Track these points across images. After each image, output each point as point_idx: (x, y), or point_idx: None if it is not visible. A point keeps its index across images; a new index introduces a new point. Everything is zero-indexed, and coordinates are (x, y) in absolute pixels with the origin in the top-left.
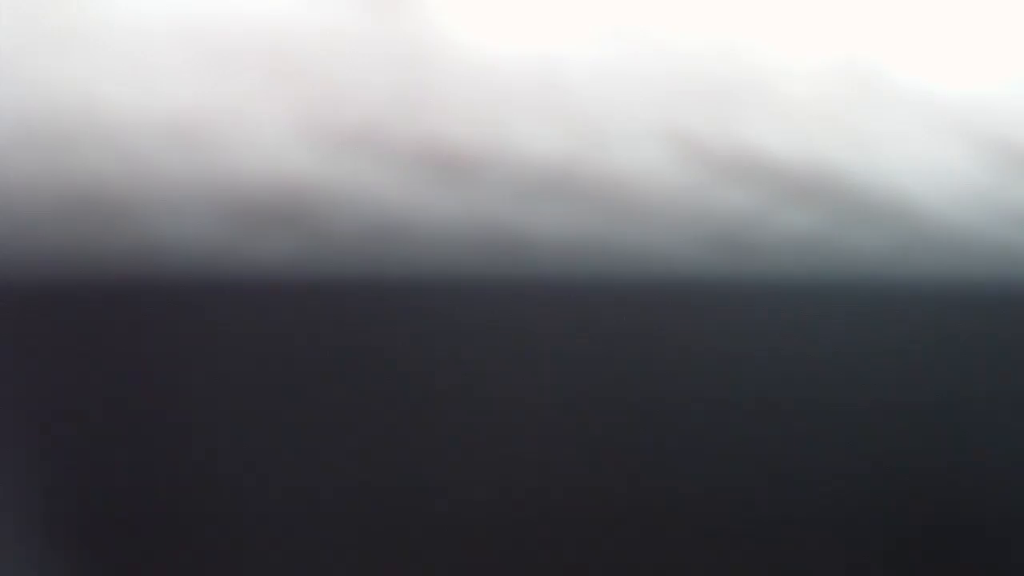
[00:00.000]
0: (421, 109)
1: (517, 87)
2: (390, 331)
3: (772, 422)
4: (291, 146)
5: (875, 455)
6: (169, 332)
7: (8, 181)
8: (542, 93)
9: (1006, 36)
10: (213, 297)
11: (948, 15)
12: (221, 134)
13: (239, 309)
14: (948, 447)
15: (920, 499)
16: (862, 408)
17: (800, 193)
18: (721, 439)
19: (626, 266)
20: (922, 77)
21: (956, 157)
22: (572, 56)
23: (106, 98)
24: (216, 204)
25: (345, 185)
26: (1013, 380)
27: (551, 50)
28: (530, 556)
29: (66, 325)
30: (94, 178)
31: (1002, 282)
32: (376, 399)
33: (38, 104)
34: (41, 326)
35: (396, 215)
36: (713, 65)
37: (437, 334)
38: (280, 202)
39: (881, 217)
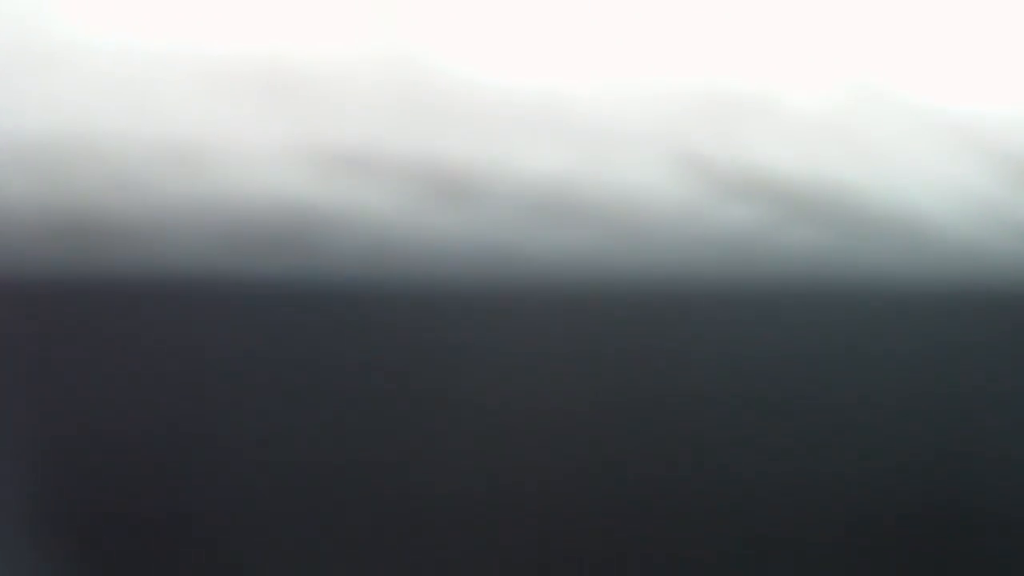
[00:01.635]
0: (419, 130)
1: (518, 105)
2: (390, 352)
3: (779, 436)
4: (288, 168)
5: (881, 466)
6: (166, 353)
7: (3, 204)
8: (544, 111)
9: (1012, 51)
10: (211, 319)
11: (953, 30)
12: (217, 156)
13: (236, 331)
14: (956, 460)
15: (922, 506)
16: (870, 422)
17: (806, 209)
18: (728, 454)
19: (630, 285)
20: (928, 92)
21: (963, 171)
22: (574, 74)
23: (102, 121)
24: (213, 227)
25: (343, 207)
26: (1021, 392)
27: (552, 68)
28: (527, 556)
29: (62, 344)
30: (90, 201)
31: (1011, 295)
32: (376, 418)
33: (34, 128)
34: (38, 346)
35: (395, 236)
36: (717, 82)
37: (437, 355)
38: (278, 224)
39: (888, 232)
